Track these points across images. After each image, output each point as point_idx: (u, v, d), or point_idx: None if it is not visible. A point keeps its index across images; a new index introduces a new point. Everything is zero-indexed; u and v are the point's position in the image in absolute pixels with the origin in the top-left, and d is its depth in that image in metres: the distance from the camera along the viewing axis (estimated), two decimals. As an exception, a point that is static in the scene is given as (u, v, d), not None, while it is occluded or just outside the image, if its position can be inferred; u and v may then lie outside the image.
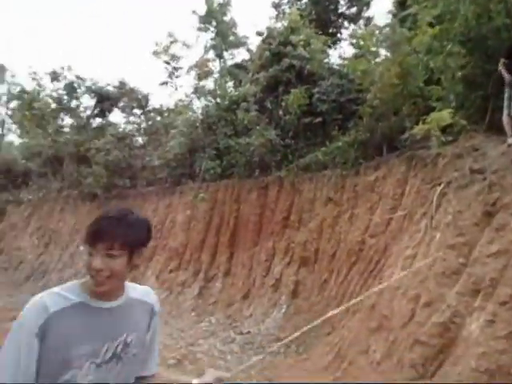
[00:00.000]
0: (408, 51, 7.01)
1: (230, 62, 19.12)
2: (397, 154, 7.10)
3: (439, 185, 4.67)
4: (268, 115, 10.35)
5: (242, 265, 8.58)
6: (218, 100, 12.25)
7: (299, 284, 7.46)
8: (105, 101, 17.63)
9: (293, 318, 6.90)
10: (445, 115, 4.85)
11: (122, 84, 17.95)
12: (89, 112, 17.90)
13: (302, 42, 10.91)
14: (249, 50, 18.28)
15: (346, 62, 11.17)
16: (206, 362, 5.24)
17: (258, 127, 9.56)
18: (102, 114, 18.00)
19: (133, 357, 1.25)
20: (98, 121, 17.95)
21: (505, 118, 5.14)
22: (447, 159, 4.97)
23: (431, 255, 4.10)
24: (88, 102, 17.88)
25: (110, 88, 17.69)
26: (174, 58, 16.96)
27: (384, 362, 3.81)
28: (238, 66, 18.16)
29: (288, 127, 9.71)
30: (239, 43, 19.19)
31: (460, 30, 5.86)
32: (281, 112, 9.69)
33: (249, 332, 6.80)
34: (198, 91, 19.89)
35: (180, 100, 19.69)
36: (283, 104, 9.66)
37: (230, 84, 17.47)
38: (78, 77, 17.11)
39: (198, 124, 11.36)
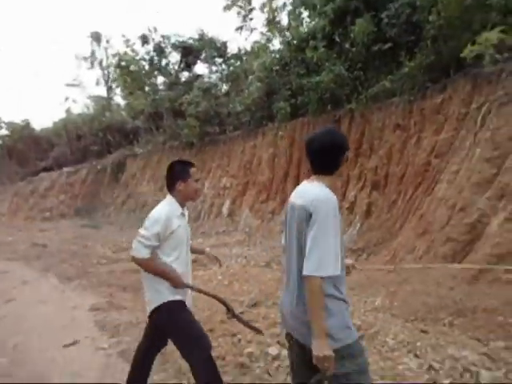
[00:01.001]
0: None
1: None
2: (463, 73, 7.17)
3: (484, 104, 5.04)
4: (338, 49, 10.60)
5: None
6: (291, 37, 12.67)
7: (371, 205, 8.35)
8: (189, 54, 19.08)
9: (365, 234, 7.94)
10: (492, 35, 5.01)
11: (202, 35, 19.08)
12: (176, 67, 19.67)
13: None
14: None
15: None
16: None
17: (327, 63, 9.99)
18: (188, 67, 19.59)
19: None
20: (185, 75, 19.66)
21: None
22: (495, 78, 5.21)
23: (471, 169, 4.73)
24: (175, 58, 19.62)
25: (192, 41, 19.00)
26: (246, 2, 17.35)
27: (424, 256, 4.75)
28: (311, -6, 17.67)
29: (357, 58, 9.93)
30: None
31: None
32: (347, 45, 9.87)
33: (327, 247, 8.08)
34: (273, 28, 20.13)
35: (256, 42, 20.24)
36: (352, 35, 9.80)
37: (306, 14, 17.30)
38: (163, 36, 18.72)
39: (272, 67, 12.11)
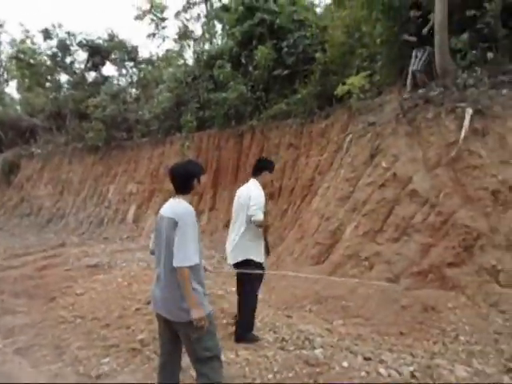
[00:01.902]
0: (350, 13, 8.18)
1: (217, 5, 19.48)
2: (342, 104, 8.56)
3: (350, 133, 6.27)
4: (243, 70, 11.56)
5: (223, 201, 10.45)
6: (201, 52, 13.34)
7: (266, 214, 9.33)
8: (96, 54, 18.49)
9: (260, 240, 8.86)
10: (358, 79, 6.29)
11: (112, 36, 18.65)
12: (83, 66, 18.91)
13: (272, -4, 11.69)
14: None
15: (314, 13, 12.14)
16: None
17: (232, 82, 10.86)
18: (95, 67, 18.97)
19: None
20: (92, 75, 19.01)
21: (409, 75, 6.53)
22: (358, 112, 6.50)
23: (336, 187, 5.85)
24: (81, 56, 18.85)
25: (101, 41, 18.48)
26: (158, 10, 17.57)
27: (299, 257, 5.74)
28: (225, 8, 18.52)
29: (259, 80, 10.97)
30: (225, -16, 19.32)
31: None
32: (251, 67, 10.87)
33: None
34: (186, 39, 20.55)
35: (168, 50, 20.45)
36: (256, 58, 10.81)
37: (219, 27, 18.08)
38: (69, 33, 17.91)
39: (182, 79, 12.61)
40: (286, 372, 2.99)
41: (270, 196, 9.57)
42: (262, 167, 3.90)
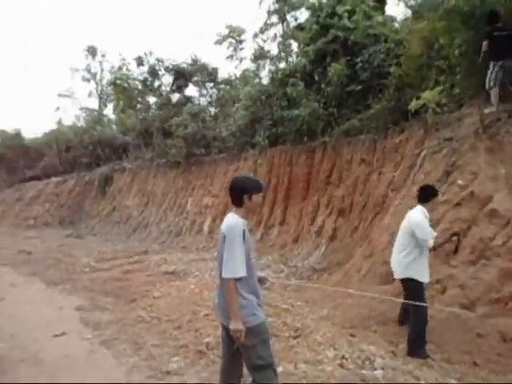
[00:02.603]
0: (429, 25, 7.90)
1: (293, 24, 20.02)
2: (418, 119, 8.24)
3: (423, 149, 6.04)
4: (316, 86, 11.71)
5: (294, 216, 10.58)
6: (275, 71, 13.81)
7: (336, 230, 9.24)
8: (181, 77, 20.11)
9: (329, 256, 8.80)
10: (432, 93, 6.06)
11: (195, 60, 20.16)
12: (168, 89, 20.66)
13: (346, 13, 11.74)
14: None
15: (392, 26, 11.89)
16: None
17: (304, 99, 11.05)
18: (179, 89, 20.59)
19: None
20: (176, 96, 20.64)
21: (492, 90, 6.12)
22: (435, 127, 6.24)
23: (408, 204, 5.67)
24: (167, 80, 20.63)
25: (185, 65, 20.08)
26: (237, 33, 18.59)
27: (367, 275, 5.62)
28: (300, 27, 18.94)
29: (332, 97, 11.01)
30: (301, 4, 19.81)
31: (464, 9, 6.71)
32: (324, 84, 10.97)
33: (295, 266, 8.90)
34: (262, 59, 21.36)
35: (246, 70, 21.47)
36: (329, 75, 10.90)
37: (295, 46, 18.53)
38: (158, 59, 19.75)
39: (257, 97, 13.15)
40: (343, 389, 3.00)
41: (339, 212, 9.49)
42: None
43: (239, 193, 2.58)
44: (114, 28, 55.65)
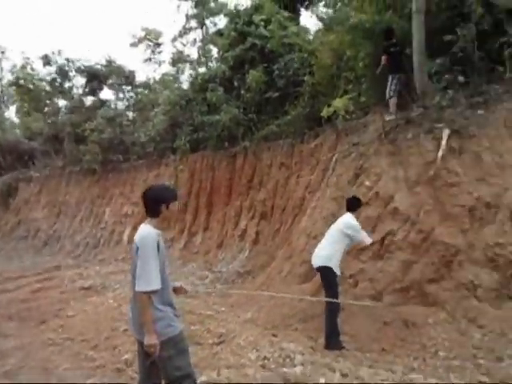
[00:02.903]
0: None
1: (212, 30, 20.05)
2: (330, 124, 8.80)
3: (335, 153, 6.46)
4: (235, 92, 11.88)
5: (217, 221, 10.57)
6: (195, 76, 13.71)
7: (259, 233, 9.44)
8: (94, 79, 18.95)
9: (253, 259, 8.94)
10: (342, 101, 6.53)
11: (109, 62, 19.15)
12: (80, 91, 19.34)
13: (262, 22, 12.12)
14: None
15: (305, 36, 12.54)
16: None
17: (225, 105, 11.14)
18: (93, 92, 19.39)
19: None
20: (90, 99, 19.41)
21: (391, 100, 6.78)
22: (345, 132, 6.71)
23: (322, 206, 5.99)
24: (79, 82, 19.31)
25: (99, 66, 18.97)
26: (153, 36, 18.11)
27: (288, 276, 5.83)
28: (220, 33, 19.03)
29: (251, 103, 11.26)
30: (220, 10, 19.92)
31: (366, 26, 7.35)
32: (243, 90, 11.18)
33: (220, 271, 8.89)
34: (181, 63, 21.06)
35: (165, 74, 20.97)
36: (248, 81, 11.13)
37: (215, 51, 18.56)
38: (68, 59, 18.40)
39: (176, 102, 12.92)
40: (265, 390, 3.06)
41: (262, 216, 9.72)
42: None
43: (156, 202, 2.51)
44: (15, 23, 50.54)
